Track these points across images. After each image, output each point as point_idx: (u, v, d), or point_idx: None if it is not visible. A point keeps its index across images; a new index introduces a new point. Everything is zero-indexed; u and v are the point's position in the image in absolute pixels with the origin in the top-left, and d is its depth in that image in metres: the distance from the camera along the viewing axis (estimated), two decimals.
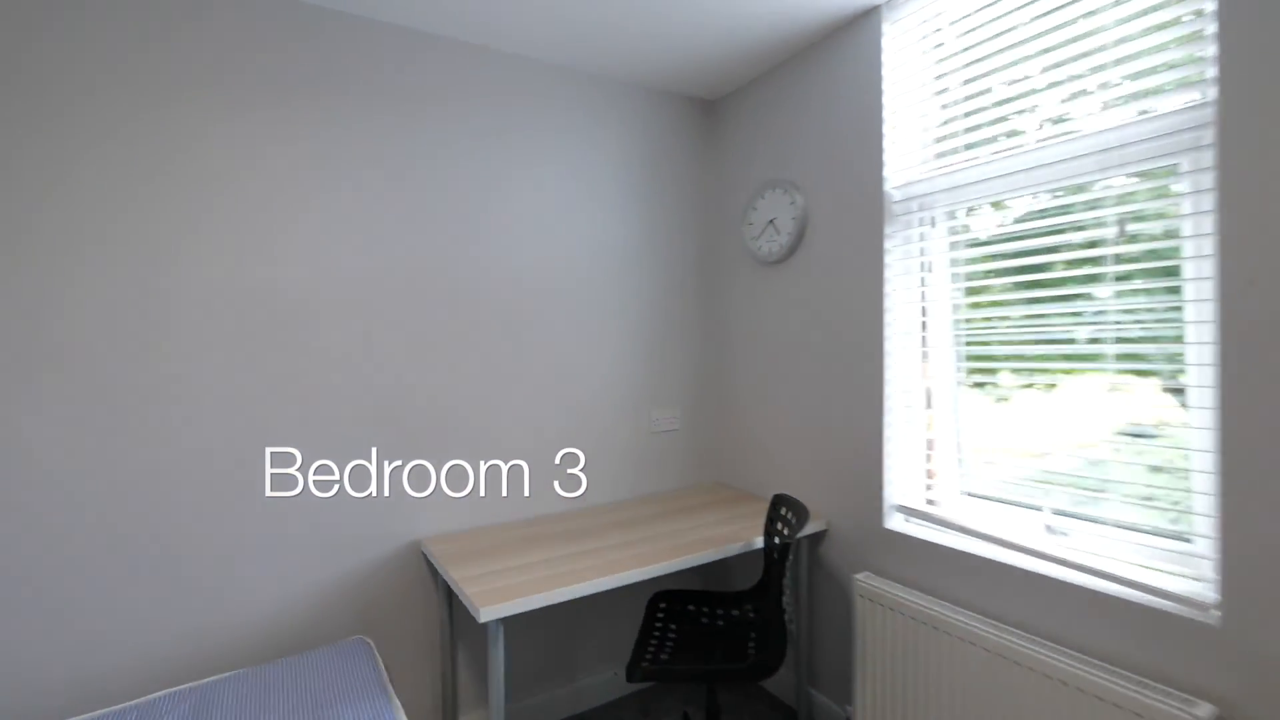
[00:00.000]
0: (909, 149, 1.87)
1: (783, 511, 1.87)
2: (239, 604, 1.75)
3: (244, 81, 1.73)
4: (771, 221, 2.27)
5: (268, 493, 1.77)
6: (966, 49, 1.70)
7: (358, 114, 1.88)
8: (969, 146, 1.72)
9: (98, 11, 1.56)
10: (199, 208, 1.68)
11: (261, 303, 1.76)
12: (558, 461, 2.25)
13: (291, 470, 1.81)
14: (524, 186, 2.17)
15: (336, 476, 1.87)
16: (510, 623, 2.16)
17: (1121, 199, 1.44)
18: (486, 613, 1.48)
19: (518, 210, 2.15)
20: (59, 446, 1.54)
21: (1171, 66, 1.33)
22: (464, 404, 2.06)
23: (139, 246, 1.62)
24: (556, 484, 2.25)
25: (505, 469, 2.15)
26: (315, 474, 1.84)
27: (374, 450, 1.92)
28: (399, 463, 1.96)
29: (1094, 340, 1.50)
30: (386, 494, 1.94)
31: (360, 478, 1.91)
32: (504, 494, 2.14)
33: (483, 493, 2.10)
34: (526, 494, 2.19)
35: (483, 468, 2.10)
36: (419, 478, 1.99)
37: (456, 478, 2.06)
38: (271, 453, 1.78)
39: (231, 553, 1.73)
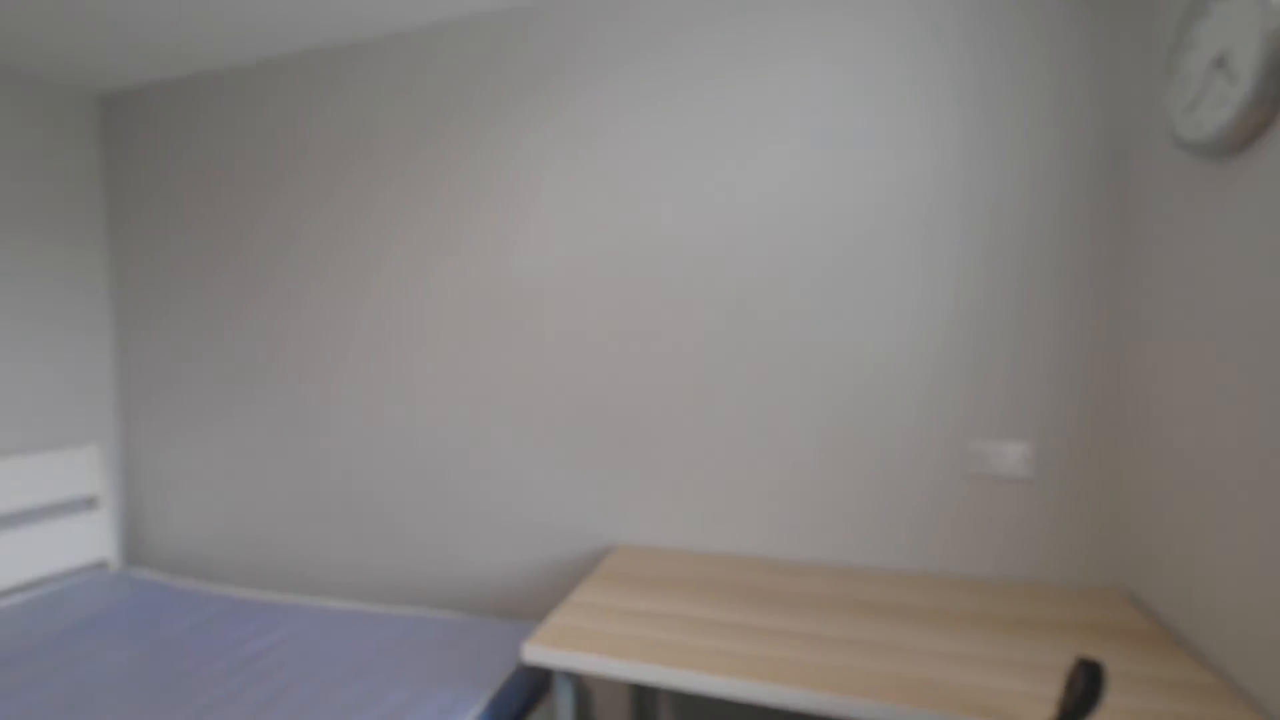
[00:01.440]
0: None
1: None
2: (464, 561, 1.97)
3: (487, 98, 1.90)
4: (1220, 62, 1.05)
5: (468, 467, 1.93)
6: None
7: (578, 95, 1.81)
8: None
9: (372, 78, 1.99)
10: (455, 216, 1.95)
11: (488, 293, 1.91)
12: (799, 492, 1.65)
13: (508, 449, 1.91)
14: (761, 123, 1.66)
15: (548, 464, 1.87)
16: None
17: None
18: (533, 652, 1.19)
19: (757, 160, 1.66)
20: (359, 408, 2.06)
21: None
22: (681, 407, 1.74)
23: (407, 254, 1.99)
24: (794, 519, 1.65)
25: (727, 490, 1.70)
26: (528, 458, 1.89)
27: (583, 444, 1.83)
28: (609, 461, 1.81)
29: None
30: (594, 491, 1.82)
31: (569, 470, 1.85)
32: (724, 520, 1.71)
33: (697, 512, 1.73)
34: (752, 526, 1.69)
35: (702, 483, 1.73)
36: (627, 480, 1.79)
37: (668, 489, 1.76)
38: (497, 433, 1.92)
39: (461, 517, 1.96)
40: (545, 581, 1.89)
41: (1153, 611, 1.29)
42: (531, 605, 1.91)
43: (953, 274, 1.52)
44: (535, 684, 1.58)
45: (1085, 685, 0.85)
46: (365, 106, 2.03)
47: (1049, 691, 1.01)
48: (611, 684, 1.81)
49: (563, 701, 1.26)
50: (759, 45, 1.64)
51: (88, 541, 2.30)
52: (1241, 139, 1.01)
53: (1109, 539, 1.43)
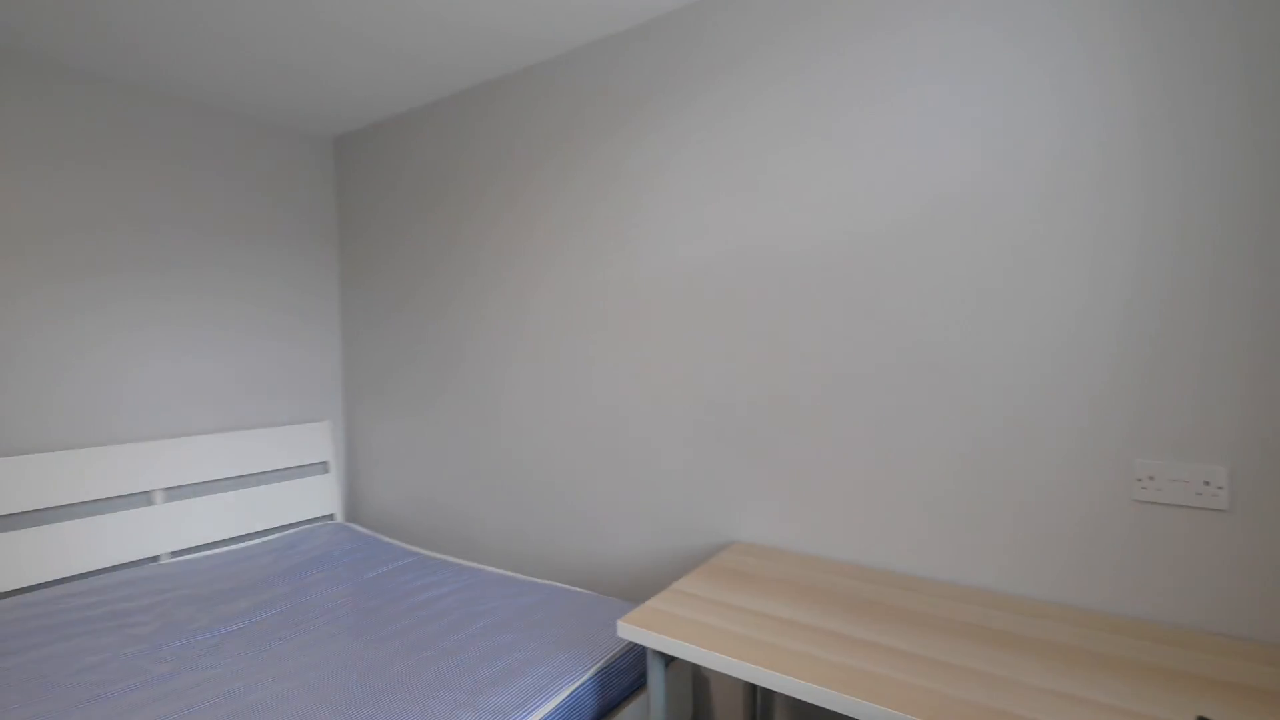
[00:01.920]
0: None
1: None
2: (599, 544, 2.13)
3: (647, 111, 2.04)
4: None
5: (624, 457, 2.06)
6: None
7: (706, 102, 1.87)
8: None
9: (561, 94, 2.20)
10: (620, 219, 2.12)
11: (629, 295, 2.05)
12: (930, 504, 1.54)
13: (642, 443, 2.03)
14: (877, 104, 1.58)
15: (677, 459, 1.96)
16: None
17: None
18: (625, 629, 1.28)
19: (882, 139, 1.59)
20: (521, 401, 2.32)
21: None
22: (806, 411, 1.72)
23: (576, 257, 2.19)
24: (920, 532, 1.55)
25: (850, 497, 1.65)
26: (660, 453, 1.99)
27: (710, 441, 1.89)
28: (733, 460, 1.84)
29: None
30: (717, 488, 1.87)
31: (696, 466, 1.92)
32: (844, 528, 1.66)
33: (816, 517, 1.70)
34: (874, 536, 1.61)
35: (824, 488, 1.69)
36: (749, 480, 1.81)
37: (788, 491, 1.75)
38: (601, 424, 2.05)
39: (599, 503, 2.12)
40: (667, 569, 1.99)
41: None
42: (653, 590, 2.02)
43: (1127, 268, 1.32)
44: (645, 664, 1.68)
45: None
46: (513, 132, 2.29)
47: None
48: (730, 681, 1.85)
49: (654, 679, 1.34)
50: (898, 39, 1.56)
51: (321, 498, 2.88)
52: None
53: None
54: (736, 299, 1.82)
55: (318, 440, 2.90)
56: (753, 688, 1.75)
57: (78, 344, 2.25)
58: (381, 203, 2.82)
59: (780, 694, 1.77)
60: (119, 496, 2.31)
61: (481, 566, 2.27)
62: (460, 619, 1.84)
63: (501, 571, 2.21)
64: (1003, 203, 1.43)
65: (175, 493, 2.47)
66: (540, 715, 1.36)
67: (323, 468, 2.93)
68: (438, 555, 2.42)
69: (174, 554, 2.43)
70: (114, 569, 2.28)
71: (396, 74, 2.33)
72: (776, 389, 1.75)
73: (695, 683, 1.91)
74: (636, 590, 2.07)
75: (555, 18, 1.95)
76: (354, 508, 3.04)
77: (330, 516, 2.92)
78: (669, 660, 1.36)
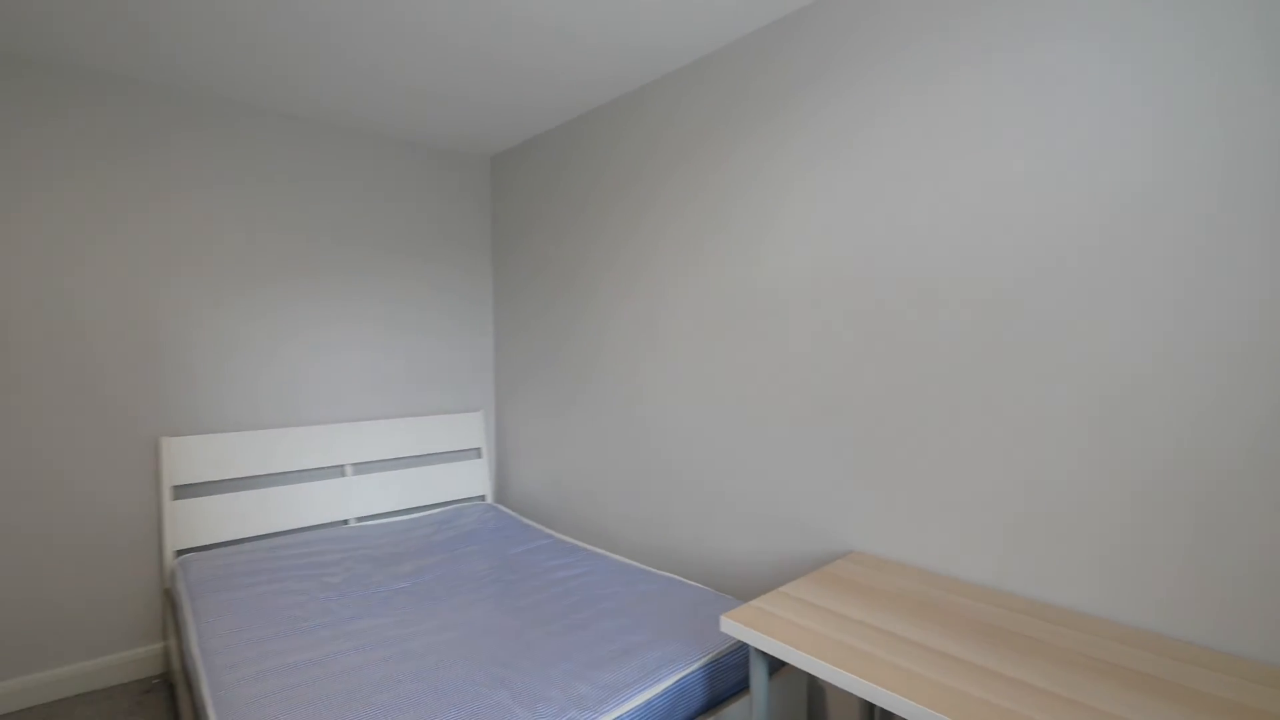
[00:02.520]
0: None
1: None
2: (714, 542, 2.17)
3: (749, 114, 2.06)
4: None
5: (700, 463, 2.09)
6: None
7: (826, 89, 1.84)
8: None
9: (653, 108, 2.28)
10: (713, 225, 2.16)
11: (742, 296, 2.07)
12: (1069, 523, 1.40)
13: (756, 443, 2.04)
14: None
15: (791, 461, 1.95)
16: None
17: None
18: (728, 624, 1.32)
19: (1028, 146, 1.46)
20: (657, 397, 2.42)
21: None
22: (927, 416, 1.64)
23: (708, 260, 2.26)
24: (1055, 554, 1.41)
25: (976, 509, 1.55)
26: (773, 454, 1.99)
27: (824, 445, 1.86)
28: (849, 465, 1.80)
29: None
30: (832, 493, 1.84)
31: (810, 470, 1.90)
32: (966, 543, 1.55)
33: (937, 529, 1.61)
34: (999, 554, 1.49)
35: (947, 498, 1.60)
36: (867, 486, 1.76)
37: (908, 501, 1.67)
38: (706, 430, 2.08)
39: (714, 502, 2.16)
40: (780, 572, 1.98)
41: None
42: (765, 591, 2.02)
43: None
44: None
45: None
46: (650, 140, 2.39)
47: None
48: (845, 697, 1.81)
49: (757, 678, 1.36)
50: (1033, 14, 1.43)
51: (474, 480, 3.23)
52: None
53: None
54: (862, 298, 1.77)
55: (473, 429, 3.25)
56: (870, 707, 1.69)
57: (279, 338, 2.74)
58: (529, 214, 3.09)
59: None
60: (319, 468, 2.78)
61: (607, 553, 2.42)
62: (585, 599, 1.98)
63: (624, 560, 2.34)
64: (1174, 203, 1.26)
65: (361, 468, 2.91)
66: (648, 696, 1.45)
67: (476, 453, 3.27)
68: (569, 539, 2.61)
69: (359, 519, 2.87)
70: (314, 528, 2.74)
71: (546, 94, 2.55)
72: (903, 393, 1.68)
73: (810, 694, 1.89)
74: (748, 590, 2.09)
75: (693, 25, 2.03)
76: (501, 490, 3.36)
77: (482, 497, 3.26)
78: (776, 665, 1.38)
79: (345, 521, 2.83)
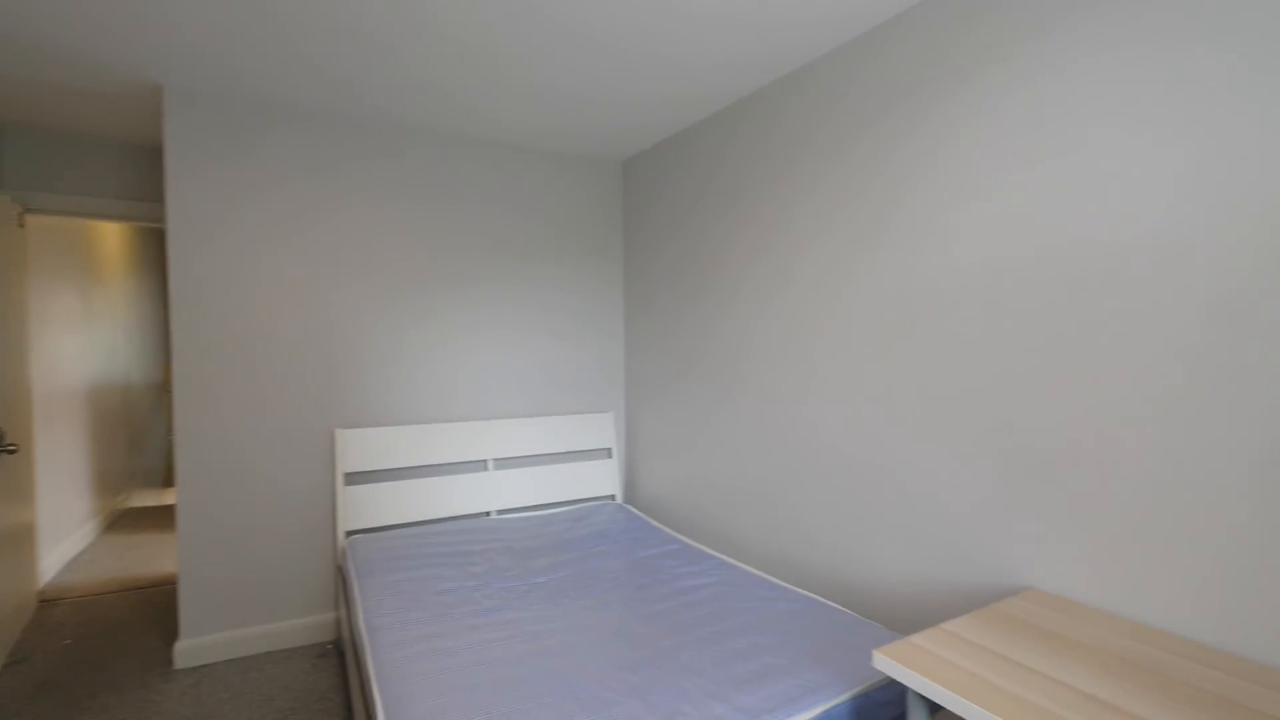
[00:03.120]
0: None
1: None
2: (860, 562, 2.00)
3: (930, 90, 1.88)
4: None
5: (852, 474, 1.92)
6: None
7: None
8: None
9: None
10: (866, 223, 2.00)
11: (900, 297, 1.89)
12: None
13: (911, 460, 1.86)
14: None
15: (953, 482, 1.75)
16: None
17: None
18: (881, 660, 1.19)
19: None
20: (782, 406, 2.30)
21: None
22: (1129, 439, 1.39)
23: (821, 262, 2.12)
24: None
25: (1186, 549, 1.29)
26: (930, 473, 1.81)
27: (996, 467, 1.65)
28: (1028, 492, 1.59)
29: None
30: (1006, 522, 1.63)
31: (979, 494, 1.69)
32: (1173, 588, 1.29)
33: (1134, 570, 1.36)
34: (1216, 603, 1.22)
35: (1150, 536, 1.35)
36: (1049, 517, 1.54)
37: (1102, 537, 1.43)
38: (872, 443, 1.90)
39: (861, 519, 2.00)
40: (935, 605, 1.79)
41: None
42: (915, 624, 1.84)
43: None
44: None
45: None
46: (784, 131, 2.28)
47: None
48: None
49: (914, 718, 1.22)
50: None
51: (604, 480, 3.29)
52: None
53: None
54: (1045, 302, 1.55)
55: (604, 429, 3.31)
56: None
57: (432, 341, 2.94)
58: (660, 217, 3.09)
59: None
60: (465, 462, 2.97)
61: (739, 564, 2.34)
62: (717, 611, 1.92)
63: (758, 572, 2.25)
64: None
65: (501, 463, 3.07)
66: None
67: (607, 454, 3.33)
68: (700, 546, 2.56)
69: (499, 511, 3.03)
70: (460, 518, 2.93)
71: (677, 96, 2.53)
72: (1098, 410, 1.44)
73: None
74: (897, 619, 1.91)
75: (824, 16, 1.90)
76: (631, 491, 3.39)
77: (612, 497, 3.31)
78: (934, 708, 1.24)
79: (487, 513, 3.00)
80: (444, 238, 2.94)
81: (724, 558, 2.42)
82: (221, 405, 2.53)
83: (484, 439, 3.00)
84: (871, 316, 1.99)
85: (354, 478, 2.74)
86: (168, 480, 5.60)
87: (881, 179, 1.95)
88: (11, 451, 2.49)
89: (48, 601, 3.09)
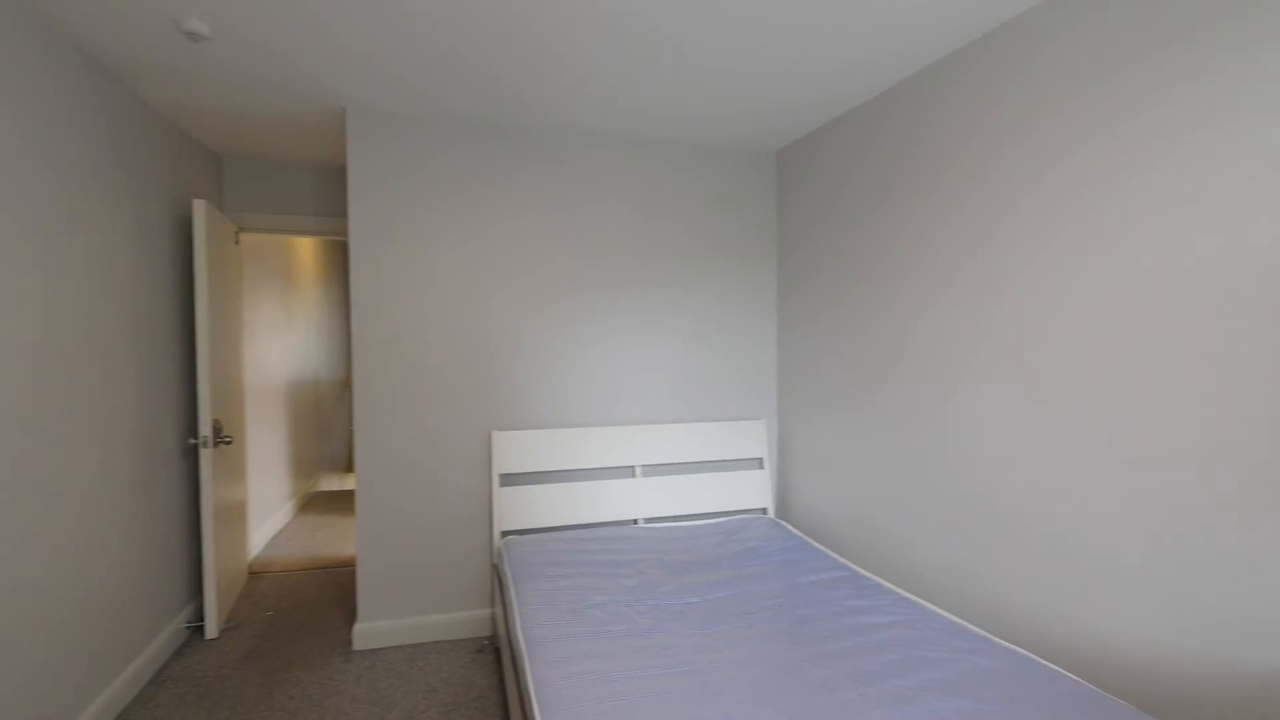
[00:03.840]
0: None
1: None
2: (1088, 614, 1.62)
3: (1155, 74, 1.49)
4: None
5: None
6: None
7: None
8: None
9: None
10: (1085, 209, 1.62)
11: (1162, 293, 1.51)
12: None
13: (1164, 491, 1.47)
14: None
15: (1223, 524, 1.35)
16: None
17: None
18: None
19: None
20: (980, 415, 1.96)
21: None
22: None
23: (1058, 252, 1.75)
24: None
25: None
26: (1191, 508, 1.41)
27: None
28: None
29: None
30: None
31: (1260, 531, 1.29)
32: None
33: None
34: None
35: None
36: None
37: None
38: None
39: (1091, 557, 1.63)
40: (1209, 684, 1.39)
41: None
42: (1175, 705, 1.44)
43: None
44: None
45: None
46: (969, 116, 1.93)
47: None
48: None
49: None
50: None
51: (756, 491, 3.08)
52: None
53: None
54: None
55: (755, 437, 3.11)
56: None
57: (583, 345, 2.91)
58: (818, 209, 2.83)
59: None
60: (613, 467, 2.92)
61: (923, 603, 2.04)
62: (906, 661, 1.66)
63: (949, 616, 1.93)
64: None
65: (649, 470, 2.98)
66: None
67: (758, 464, 3.13)
68: (870, 575, 2.28)
69: (647, 519, 2.94)
70: (608, 524, 2.88)
71: (833, 80, 2.27)
72: None
73: None
74: (1146, 695, 1.52)
75: None
76: (784, 505, 3.16)
77: (763, 510, 3.10)
78: None
79: (634, 521, 2.92)
80: (594, 241, 2.91)
81: (902, 592, 2.12)
82: (393, 403, 2.68)
83: (632, 444, 2.93)
84: (1083, 314, 1.61)
85: (508, 479, 2.79)
86: (349, 466, 6.24)
87: (1078, 159, 1.57)
88: (228, 442, 2.82)
89: (255, 574, 3.49)
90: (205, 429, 2.67)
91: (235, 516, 3.17)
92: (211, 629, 2.72)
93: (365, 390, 2.65)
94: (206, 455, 2.68)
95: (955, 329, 2.09)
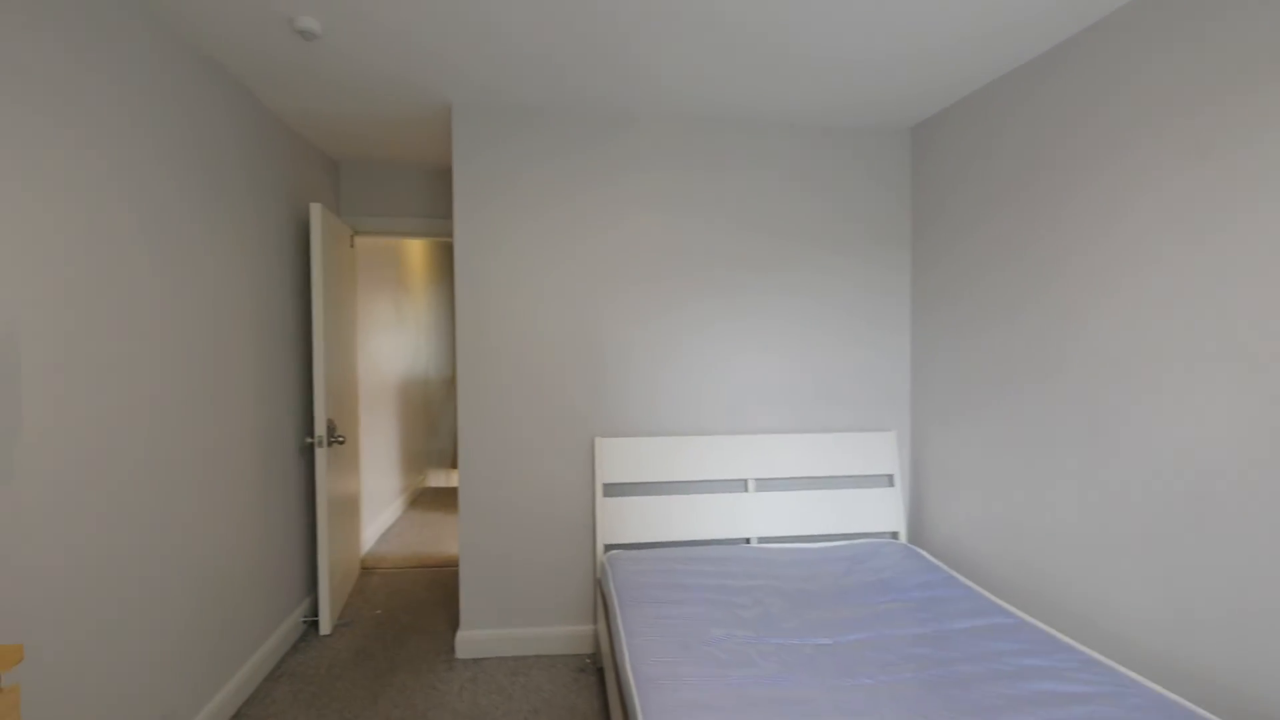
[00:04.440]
0: None
1: None
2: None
3: None
4: None
5: None
6: None
7: None
8: None
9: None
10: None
11: None
12: None
13: None
14: None
15: None
16: None
17: None
18: None
19: None
20: (1182, 428, 1.53)
21: None
22: None
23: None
24: None
25: None
26: None
27: None
28: None
29: None
30: None
31: None
32: None
33: None
34: None
35: None
36: None
37: None
38: None
39: None
40: None
41: None
42: None
43: None
44: None
45: None
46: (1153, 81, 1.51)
47: None
48: None
49: None
50: None
51: (884, 512, 2.73)
52: None
53: None
54: None
55: (883, 451, 2.76)
56: None
57: (694, 347, 2.69)
58: (961, 191, 2.44)
59: None
60: (723, 480, 2.67)
61: (1125, 671, 1.64)
62: None
63: (1167, 693, 1.53)
64: None
65: (763, 484, 2.71)
66: None
67: (887, 480, 2.77)
68: (1044, 627, 1.89)
69: (760, 539, 2.68)
70: (718, 542, 2.64)
71: (977, 44, 1.90)
72: None
73: None
74: None
75: None
76: (918, 529, 2.78)
77: (894, 534, 2.74)
78: None
79: (747, 540, 2.67)
80: (706, 239, 2.68)
81: (1091, 653, 1.73)
82: (496, 409, 2.59)
83: (744, 456, 2.68)
84: None
85: (612, 489, 2.62)
86: (454, 462, 6.40)
87: None
88: (341, 442, 2.86)
89: (366, 569, 3.57)
90: (320, 428, 2.71)
91: (349, 513, 3.23)
92: (325, 625, 2.77)
93: (469, 396, 2.58)
94: (321, 454, 2.72)
95: (1162, 313, 1.67)
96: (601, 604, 2.38)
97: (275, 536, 2.59)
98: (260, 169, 2.50)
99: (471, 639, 2.60)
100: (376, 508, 4.18)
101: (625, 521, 2.59)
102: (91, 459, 1.56)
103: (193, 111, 2.02)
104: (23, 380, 1.35)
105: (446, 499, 5.16)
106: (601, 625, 2.38)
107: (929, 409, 2.69)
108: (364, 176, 3.48)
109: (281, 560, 2.65)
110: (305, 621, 2.81)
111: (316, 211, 2.70)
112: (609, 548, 2.60)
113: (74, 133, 1.51)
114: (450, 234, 3.50)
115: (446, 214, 3.51)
